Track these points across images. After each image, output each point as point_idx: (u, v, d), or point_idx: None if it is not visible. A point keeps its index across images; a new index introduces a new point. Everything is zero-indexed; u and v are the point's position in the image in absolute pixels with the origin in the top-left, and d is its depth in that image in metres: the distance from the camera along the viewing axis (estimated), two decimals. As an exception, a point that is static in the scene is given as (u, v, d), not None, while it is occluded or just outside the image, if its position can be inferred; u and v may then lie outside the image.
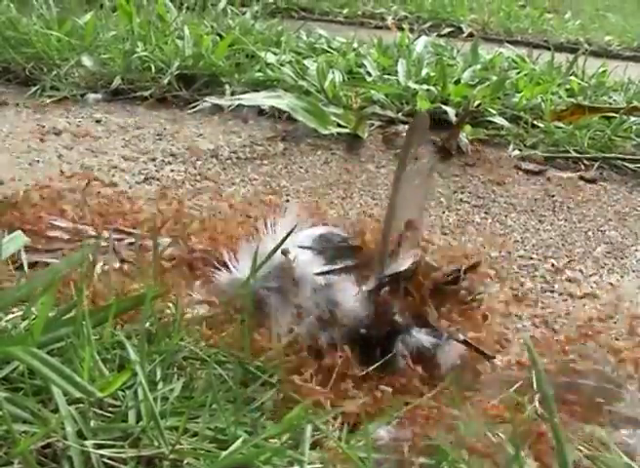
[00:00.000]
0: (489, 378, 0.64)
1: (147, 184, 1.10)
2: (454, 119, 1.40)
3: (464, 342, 0.66)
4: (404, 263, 0.67)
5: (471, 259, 0.85)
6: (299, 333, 0.64)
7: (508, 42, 2.46)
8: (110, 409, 0.49)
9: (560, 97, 1.63)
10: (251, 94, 1.52)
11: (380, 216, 0.98)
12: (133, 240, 0.83)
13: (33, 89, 1.57)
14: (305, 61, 1.73)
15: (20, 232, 0.64)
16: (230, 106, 1.49)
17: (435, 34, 2.44)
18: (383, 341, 0.64)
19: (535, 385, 0.58)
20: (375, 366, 0.61)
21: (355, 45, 1.99)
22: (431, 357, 0.64)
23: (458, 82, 1.67)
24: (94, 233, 0.84)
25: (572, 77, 1.81)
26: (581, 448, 0.53)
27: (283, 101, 1.41)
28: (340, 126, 1.38)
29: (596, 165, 1.32)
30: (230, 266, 0.69)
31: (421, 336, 0.64)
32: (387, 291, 0.66)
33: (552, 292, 0.86)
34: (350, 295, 0.66)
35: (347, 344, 0.62)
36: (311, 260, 0.69)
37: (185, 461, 0.46)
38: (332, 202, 1.08)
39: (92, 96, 1.57)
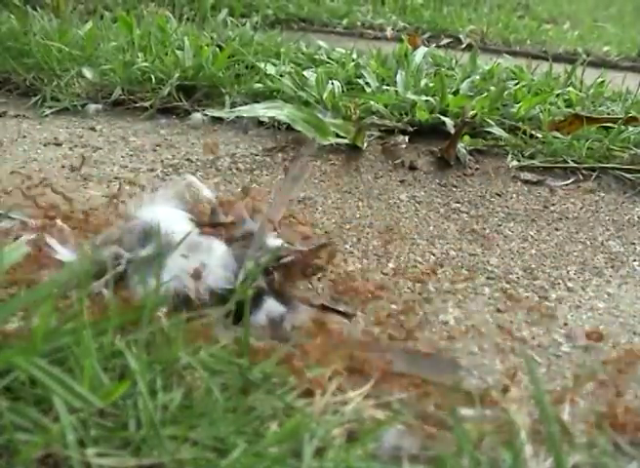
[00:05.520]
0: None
1: (147, 194, 1.11)
2: (452, 129, 1.41)
3: (321, 306, 0.73)
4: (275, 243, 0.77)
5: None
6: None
7: (507, 53, 2.47)
8: (111, 417, 0.49)
9: (558, 108, 1.64)
10: (250, 105, 1.52)
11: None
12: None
13: (34, 99, 1.58)
14: (305, 72, 1.73)
15: (21, 242, 0.64)
16: (229, 117, 1.50)
17: (434, 45, 2.45)
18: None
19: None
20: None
21: (354, 56, 2.00)
22: (279, 322, 0.71)
23: (456, 92, 1.68)
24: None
25: (570, 87, 1.81)
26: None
27: (282, 112, 1.42)
28: (339, 136, 1.39)
29: (594, 175, 1.32)
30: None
31: (273, 304, 0.71)
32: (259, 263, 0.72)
33: (549, 300, 0.87)
34: (217, 256, 0.72)
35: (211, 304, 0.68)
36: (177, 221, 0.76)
37: (186, 470, 0.46)
38: (328, 211, 1.09)
39: (92, 106, 1.57)
